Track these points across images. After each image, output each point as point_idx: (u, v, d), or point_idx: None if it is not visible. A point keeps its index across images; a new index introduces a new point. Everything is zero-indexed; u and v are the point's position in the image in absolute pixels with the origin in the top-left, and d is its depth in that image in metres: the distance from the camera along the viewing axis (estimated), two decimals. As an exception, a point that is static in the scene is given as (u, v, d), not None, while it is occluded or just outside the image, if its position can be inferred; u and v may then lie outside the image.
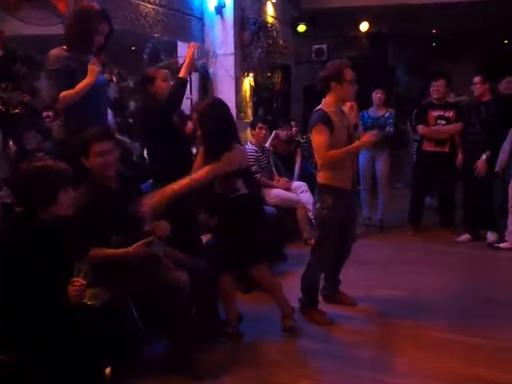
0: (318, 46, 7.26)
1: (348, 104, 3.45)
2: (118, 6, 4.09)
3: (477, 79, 4.70)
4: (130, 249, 2.41)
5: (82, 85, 2.69)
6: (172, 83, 3.08)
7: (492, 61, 9.50)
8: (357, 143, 3.06)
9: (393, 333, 3.15)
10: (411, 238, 5.13)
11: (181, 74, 3.06)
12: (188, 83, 5.06)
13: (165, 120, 3.05)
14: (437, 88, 4.95)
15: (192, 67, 3.26)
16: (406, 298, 3.65)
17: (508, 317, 3.34)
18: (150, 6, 4.56)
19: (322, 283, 3.47)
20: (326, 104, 3.09)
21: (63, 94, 2.66)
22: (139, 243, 2.43)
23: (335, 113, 3.05)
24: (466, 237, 4.91)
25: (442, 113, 4.95)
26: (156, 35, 4.81)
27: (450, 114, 4.92)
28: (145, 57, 5.30)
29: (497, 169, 4.52)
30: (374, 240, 5.04)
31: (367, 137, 3.06)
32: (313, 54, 7.32)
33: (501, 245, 4.70)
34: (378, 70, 7.63)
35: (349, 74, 3.01)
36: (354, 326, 3.24)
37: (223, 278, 2.94)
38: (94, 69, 2.73)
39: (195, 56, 3.17)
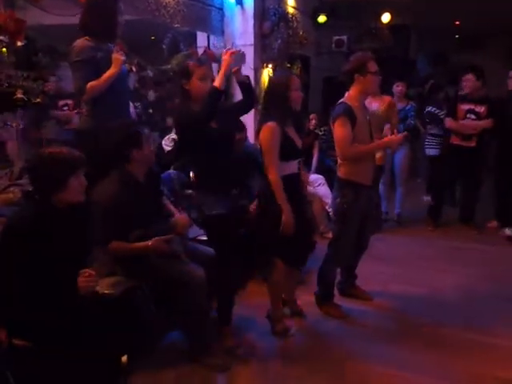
0: (338, 37, 7.15)
1: (386, 100, 3.39)
2: (138, -4, 4.09)
3: None
4: (149, 243, 2.42)
5: (108, 75, 2.70)
6: (210, 85, 2.60)
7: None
8: (382, 141, 3.01)
9: (408, 330, 3.12)
10: (430, 234, 5.07)
11: (216, 83, 2.54)
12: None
13: (199, 132, 2.61)
14: (466, 83, 4.83)
15: (234, 75, 2.69)
16: (424, 295, 3.61)
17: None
18: (170, -4, 4.55)
19: (338, 277, 3.46)
20: (350, 98, 3.04)
21: (90, 84, 2.68)
22: (159, 238, 2.43)
23: (358, 107, 3.01)
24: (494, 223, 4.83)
25: (472, 107, 4.82)
26: (176, 25, 4.79)
27: (481, 108, 4.77)
28: (164, 47, 5.30)
29: None
30: (392, 235, 4.98)
31: (397, 139, 3.00)
32: (333, 45, 7.22)
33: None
34: (400, 63, 7.50)
35: (373, 66, 2.97)
36: (370, 321, 3.23)
37: (278, 262, 2.85)
38: (118, 58, 2.74)
39: (234, 63, 2.61)
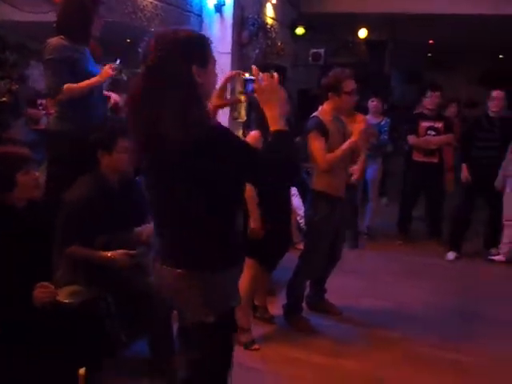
0: (315, 50, 7.23)
1: (359, 119, 3.42)
2: (115, -2, 4.03)
3: (498, 94, 4.64)
4: (109, 254, 2.35)
5: (91, 82, 2.69)
6: None
7: (487, 74, 9.58)
8: (351, 140, 3.00)
9: (374, 344, 3.11)
10: (399, 248, 5.11)
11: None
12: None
13: None
14: (434, 99, 4.92)
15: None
16: (393, 310, 3.63)
17: (495, 334, 3.32)
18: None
19: (307, 290, 3.43)
20: (323, 112, 3.07)
21: (69, 86, 2.64)
22: (122, 252, 2.37)
23: (331, 121, 3.03)
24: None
25: (432, 123, 4.93)
26: (153, 29, 4.73)
27: (439, 125, 4.91)
28: (140, 50, 5.22)
29: (497, 185, 4.56)
30: (361, 248, 5.00)
31: (358, 129, 3.00)
32: (310, 58, 7.28)
33: (495, 257, 4.72)
34: (375, 78, 7.62)
35: (348, 85, 2.97)
36: (338, 336, 3.21)
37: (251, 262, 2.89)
38: (108, 72, 2.72)
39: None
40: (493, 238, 4.89)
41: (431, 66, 10.36)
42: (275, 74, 1.60)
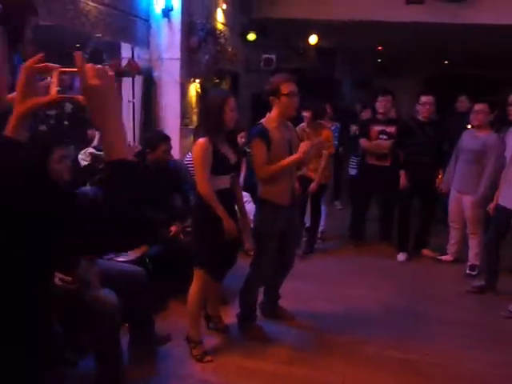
0: (267, 56, 7.26)
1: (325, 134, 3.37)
2: (56, 0, 3.87)
3: (429, 99, 4.77)
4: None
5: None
6: None
7: (433, 80, 9.92)
8: (291, 158, 2.99)
9: (329, 349, 3.13)
10: (352, 251, 5.17)
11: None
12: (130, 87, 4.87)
13: None
14: (384, 103, 5.03)
15: None
16: (345, 312, 3.66)
17: (442, 333, 3.41)
18: (91, 3, 4.36)
19: (261, 297, 3.41)
20: (269, 119, 3.08)
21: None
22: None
23: (276, 128, 3.02)
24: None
25: (384, 128, 5.03)
26: (98, 35, 4.60)
27: (391, 129, 5.01)
28: (85, 56, 5.06)
29: (442, 188, 4.69)
30: (315, 253, 5.02)
31: (303, 147, 2.99)
32: (262, 63, 7.31)
33: (443, 257, 4.86)
34: (326, 84, 7.73)
35: (287, 87, 2.98)
36: (291, 342, 3.20)
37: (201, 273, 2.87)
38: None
39: None
40: (425, 238, 5.04)
41: (380, 72, 10.63)
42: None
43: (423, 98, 4.78)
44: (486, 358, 3.07)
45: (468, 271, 4.51)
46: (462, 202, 4.51)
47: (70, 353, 2.48)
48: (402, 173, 4.78)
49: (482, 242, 4.42)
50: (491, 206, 4.04)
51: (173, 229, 3.52)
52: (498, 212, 3.92)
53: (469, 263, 4.54)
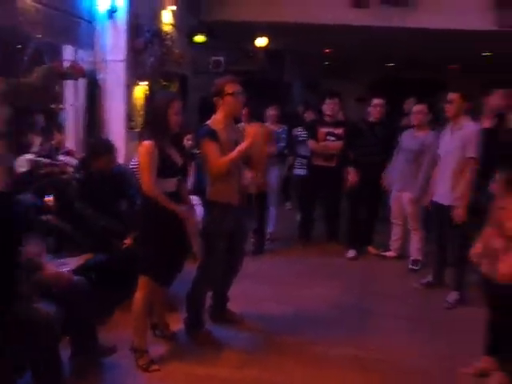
0: (215, 58, 7.26)
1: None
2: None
3: (380, 101, 4.93)
4: None
5: None
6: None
7: (378, 83, 10.22)
8: (244, 144, 3.02)
9: (279, 350, 3.15)
10: (301, 251, 5.24)
11: None
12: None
13: None
14: (332, 106, 5.12)
15: None
16: (295, 313, 3.70)
17: (388, 328, 3.52)
18: (30, 3, 4.20)
19: (209, 301, 3.39)
20: (215, 120, 3.10)
21: None
22: None
23: (223, 129, 3.05)
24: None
25: (331, 129, 5.13)
26: (38, 36, 4.43)
27: (339, 131, 5.12)
28: (25, 58, 4.87)
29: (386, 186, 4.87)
30: (264, 254, 5.05)
31: (251, 130, 3.04)
32: (210, 66, 7.29)
33: (387, 254, 5.01)
34: (275, 86, 7.80)
35: (230, 87, 3.03)
36: (241, 345, 3.20)
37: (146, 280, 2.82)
38: None
39: None
40: (370, 235, 5.20)
41: (329, 74, 10.84)
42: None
43: (375, 101, 4.97)
44: (431, 351, 3.19)
45: (411, 266, 4.68)
46: (402, 199, 4.67)
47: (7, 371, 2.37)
48: (352, 170, 4.89)
49: (423, 238, 4.60)
50: (427, 201, 4.21)
51: (127, 241, 3.44)
52: (434, 208, 4.10)
53: (411, 258, 4.72)
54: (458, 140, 3.87)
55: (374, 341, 3.31)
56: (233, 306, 3.52)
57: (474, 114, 4.34)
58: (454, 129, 3.96)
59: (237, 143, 3.10)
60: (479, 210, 3.44)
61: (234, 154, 3.00)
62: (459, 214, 3.76)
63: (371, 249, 5.17)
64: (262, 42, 8.09)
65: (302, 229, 5.46)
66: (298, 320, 3.58)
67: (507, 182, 2.78)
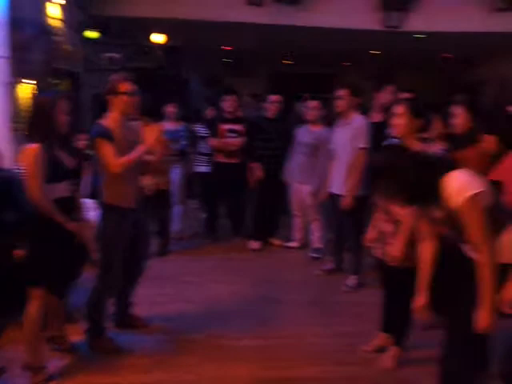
0: (109, 54, 6.97)
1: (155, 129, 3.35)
2: None
3: (277, 98, 5.04)
4: None
5: None
6: None
7: (277, 79, 10.48)
8: (143, 145, 2.95)
9: (185, 349, 3.12)
10: (207, 248, 5.23)
11: None
12: None
13: None
14: (230, 102, 5.15)
15: None
16: (202, 311, 3.69)
17: (293, 315, 3.65)
18: None
19: (112, 308, 3.27)
20: (108, 119, 2.99)
21: None
22: None
23: (118, 128, 2.95)
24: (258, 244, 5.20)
25: (232, 126, 5.16)
26: None
27: (239, 127, 5.17)
28: None
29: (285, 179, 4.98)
30: (169, 255, 4.94)
31: (150, 133, 2.98)
32: (105, 62, 6.99)
33: (290, 244, 5.17)
34: (173, 83, 7.68)
35: (124, 86, 2.95)
36: (148, 349, 3.13)
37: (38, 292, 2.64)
38: None
39: None
40: (273, 227, 5.34)
41: (229, 71, 10.91)
42: None
43: (271, 97, 5.08)
44: (334, 333, 3.37)
45: (312, 254, 4.88)
46: (301, 191, 4.85)
47: None
48: (257, 165, 4.96)
49: (322, 227, 4.82)
50: (325, 193, 4.41)
51: (18, 253, 3.17)
52: (330, 199, 4.31)
53: (313, 247, 4.92)
54: (349, 133, 4.10)
55: (280, 329, 3.41)
56: (138, 310, 3.42)
57: (364, 108, 4.62)
58: (344, 123, 4.18)
59: (135, 143, 3.01)
60: (370, 198, 3.69)
61: (132, 155, 2.90)
62: (347, 202, 4.00)
63: (275, 241, 5.30)
64: (159, 38, 7.90)
65: (208, 226, 5.46)
66: (206, 317, 3.58)
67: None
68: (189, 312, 3.65)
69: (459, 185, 2.00)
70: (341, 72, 11.07)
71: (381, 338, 3.10)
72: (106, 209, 2.99)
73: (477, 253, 2.02)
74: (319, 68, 11.36)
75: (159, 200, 4.70)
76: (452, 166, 2.11)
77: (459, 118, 3.24)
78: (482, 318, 2.00)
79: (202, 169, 5.60)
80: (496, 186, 2.76)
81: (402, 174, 2.08)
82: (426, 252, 2.32)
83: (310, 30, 7.65)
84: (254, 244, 5.17)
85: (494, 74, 10.11)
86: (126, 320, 3.34)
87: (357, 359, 3.05)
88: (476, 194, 1.97)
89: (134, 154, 2.92)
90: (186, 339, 3.24)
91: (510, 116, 4.30)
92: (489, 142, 2.93)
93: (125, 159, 2.88)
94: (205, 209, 5.57)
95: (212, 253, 5.08)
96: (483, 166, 2.91)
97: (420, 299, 2.32)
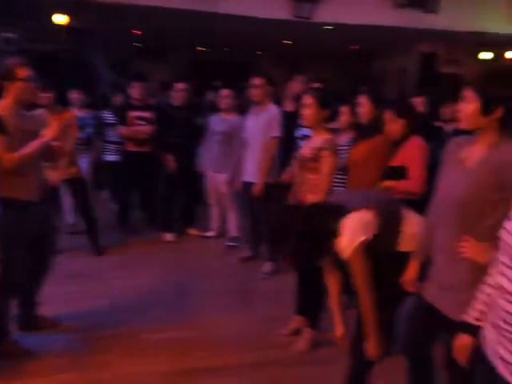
0: (5, 35, 6.42)
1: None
2: None
3: (182, 86, 4.91)
4: None
5: None
6: None
7: (191, 65, 10.31)
8: (40, 139, 2.76)
9: (101, 347, 3.00)
10: (119, 242, 4.99)
11: None
12: None
13: None
14: (138, 89, 4.96)
15: None
16: (115, 306, 3.56)
17: (210, 306, 3.63)
18: None
19: (15, 310, 3.04)
20: (2, 107, 2.73)
21: None
22: None
23: (13, 116, 2.72)
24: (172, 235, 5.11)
25: (140, 113, 4.98)
26: None
27: (148, 114, 4.99)
28: None
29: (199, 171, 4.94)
30: (80, 250, 4.66)
31: (53, 125, 2.81)
32: (1, 43, 6.43)
33: (207, 234, 5.15)
34: (77, 68, 7.24)
35: (23, 72, 2.74)
36: (57, 350, 2.96)
37: None
38: None
39: None
40: (190, 217, 5.31)
41: (140, 56, 10.54)
42: None
43: (178, 85, 4.93)
44: (251, 319, 3.40)
45: (229, 243, 4.90)
46: (216, 180, 4.83)
47: None
48: (169, 156, 4.84)
49: (238, 215, 4.84)
50: (239, 182, 4.43)
51: None
52: (244, 187, 4.35)
53: (229, 236, 4.93)
54: (263, 122, 4.13)
55: (197, 319, 3.39)
56: (45, 310, 3.21)
57: (276, 97, 4.67)
58: (258, 111, 4.20)
59: (36, 134, 2.79)
60: (282, 185, 3.77)
61: (28, 148, 2.69)
62: (257, 189, 4.06)
63: (192, 230, 5.24)
64: (59, 19, 7.38)
65: (120, 218, 5.25)
66: (120, 312, 3.46)
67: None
68: (102, 309, 3.50)
69: (347, 236, 2.08)
70: (254, 60, 11.16)
71: (296, 321, 3.19)
72: (4, 203, 2.74)
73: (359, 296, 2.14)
74: (233, 56, 11.36)
75: (76, 189, 4.47)
76: (345, 211, 2.14)
77: (364, 107, 3.38)
78: (371, 348, 2.18)
79: (111, 158, 5.37)
80: (399, 171, 2.95)
81: (297, 234, 2.15)
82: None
83: (223, 17, 7.60)
84: (168, 236, 5.06)
85: (395, 66, 10.76)
86: (33, 321, 3.12)
87: (274, 343, 3.12)
88: (360, 243, 2.07)
89: (30, 148, 2.71)
90: (101, 337, 3.12)
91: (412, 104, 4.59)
92: (399, 124, 3.03)
93: (18, 154, 2.66)
94: (116, 200, 5.33)
95: (124, 246, 4.88)
96: (386, 154, 3.06)
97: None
